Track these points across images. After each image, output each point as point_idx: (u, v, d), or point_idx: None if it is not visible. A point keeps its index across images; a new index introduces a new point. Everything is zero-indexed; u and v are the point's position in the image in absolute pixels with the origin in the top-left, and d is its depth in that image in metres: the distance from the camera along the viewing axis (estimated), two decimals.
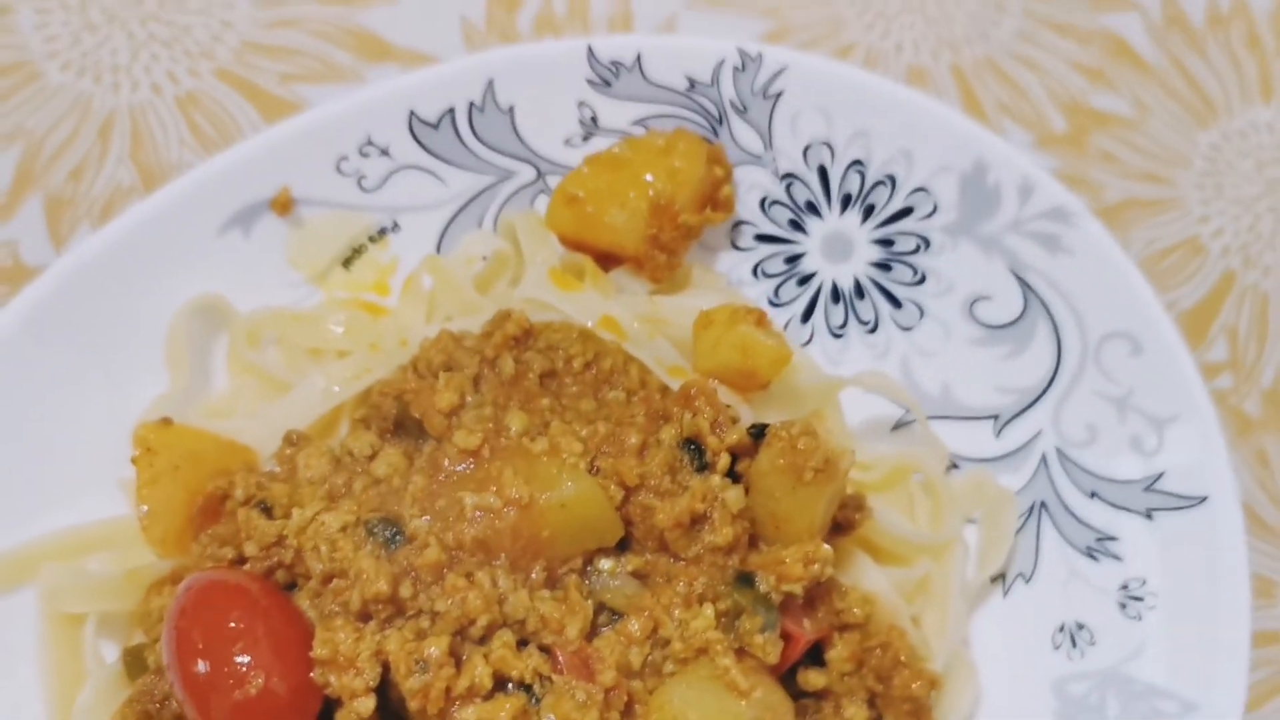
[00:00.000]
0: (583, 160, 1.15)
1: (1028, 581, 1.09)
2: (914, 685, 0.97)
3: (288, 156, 1.14)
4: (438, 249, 1.19)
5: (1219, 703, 0.98)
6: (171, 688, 0.91)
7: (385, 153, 1.16)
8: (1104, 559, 1.06)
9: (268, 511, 0.95)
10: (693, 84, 1.17)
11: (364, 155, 1.16)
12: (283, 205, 1.14)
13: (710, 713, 0.87)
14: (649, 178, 1.12)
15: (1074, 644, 1.05)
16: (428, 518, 0.89)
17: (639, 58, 1.16)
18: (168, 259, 1.11)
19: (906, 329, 1.17)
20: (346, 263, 1.17)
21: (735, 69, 1.16)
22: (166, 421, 1.06)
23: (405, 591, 0.86)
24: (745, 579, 0.93)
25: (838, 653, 0.97)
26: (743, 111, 1.17)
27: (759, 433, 0.98)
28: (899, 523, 1.07)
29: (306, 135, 1.14)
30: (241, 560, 0.95)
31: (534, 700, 0.85)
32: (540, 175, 1.19)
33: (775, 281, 1.20)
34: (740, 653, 0.90)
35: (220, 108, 1.33)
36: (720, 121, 1.18)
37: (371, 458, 0.97)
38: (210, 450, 1.04)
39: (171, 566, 1.00)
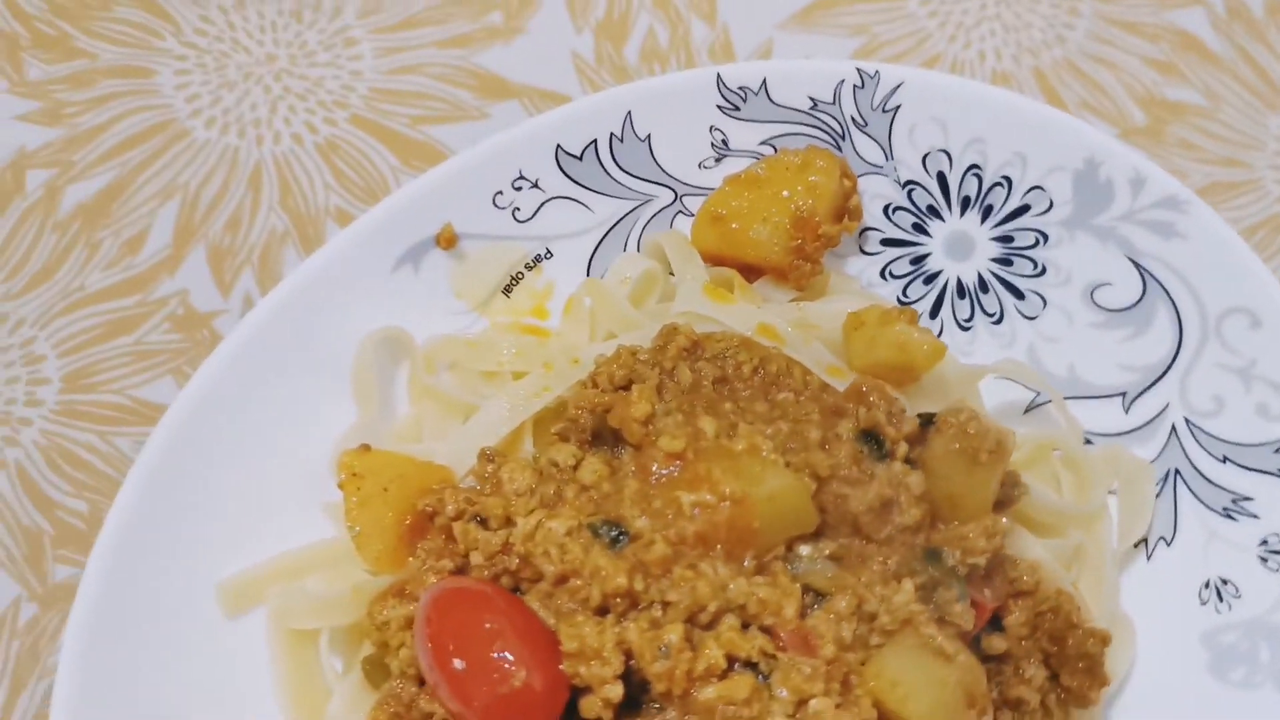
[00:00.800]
0: (722, 181, 1.24)
1: (1169, 545, 1.17)
2: (1088, 643, 1.06)
3: (448, 195, 1.22)
4: (588, 272, 1.27)
5: None
6: (417, 693, 0.99)
7: (536, 185, 1.24)
8: (1241, 518, 1.15)
9: (483, 523, 1.03)
10: (815, 103, 1.25)
11: (516, 189, 1.24)
12: (447, 240, 1.22)
13: (922, 677, 0.95)
14: (787, 193, 1.21)
15: (1220, 598, 1.14)
16: (645, 519, 0.97)
17: (764, 82, 1.25)
18: (348, 298, 1.19)
19: (1031, 318, 1.25)
20: (506, 290, 1.26)
21: (855, 87, 1.25)
22: (366, 448, 1.14)
23: (638, 585, 0.94)
24: (933, 555, 1.02)
25: (1015, 618, 1.05)
26: (863, 126, 1.26)
27: (926, 421, 1.06)
28: (1050, 497, 1.15)
29: (464, 174, 1.22)
30: (460, 570, 1.03)
31: (762, 677, 0.93)
32: (677, 197, 1.28)
33: (903, 282, 1.29)
34: (938, 622, 0.98)
35: (359, 152, 1.42)
36: (843, 136, 1.26)
37: (575, 467, 1.05)
38: (412, 471, 1.12)
39: (390, 580, 1.08)
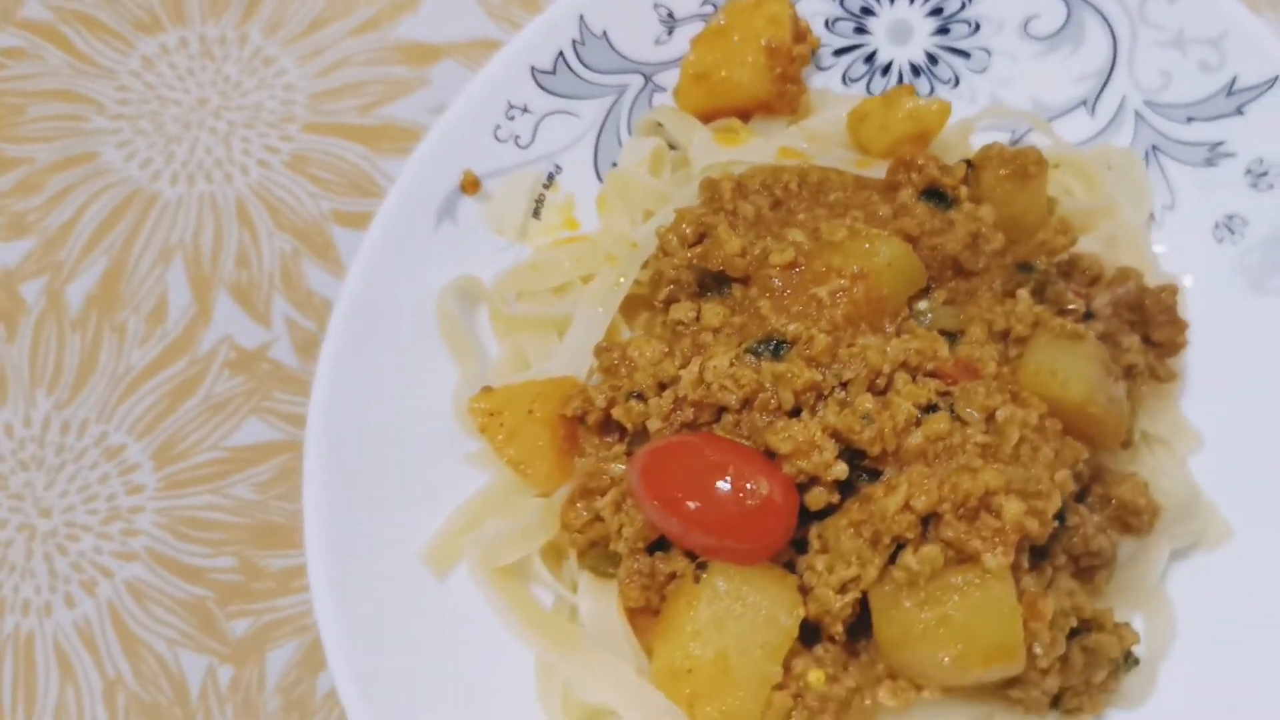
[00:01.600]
0: (690, 43, 1.33)
1: (1172, 208, 1.34)
2: (1161, 296, 1.20)
3: (454, 146, 1.27)
4: (595, 173, 1.35)
5: None
6: (652, 559, 1.07)
7: (525, 109, 1.31)
8: (1221, 161, 1.32)
9: (641, 398, 1.11)
10: None
11: (510, 119, 1.30)
12: (471, 184, 1.27)
13: (1071, 360, 1.08)
14: (752, 33, 1.31)
15: (1230, 230, 1.31)
16: (794, 324, 1.07)
17: None
18: (407, 266, 1.23)
19: (982, 72, 1.39)
20: (536, 213, 1.32)
21: None
22: (488, 389, 1.19)
23: (818, 376, 1.04)
24: (1025, 266, 1.15)
25: (1100, 301, 1.20)
26: None
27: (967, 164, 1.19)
28: (1075, 201, 1.29)
29: (461, 121, 1.28)
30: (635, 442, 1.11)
31: (949, 410, 1.04)
32: (647, 80, 1.36)
33: (863, 81, 1.41)
34: (1059, 314, 1.11)
35: (326, 154, 1.45)
36: None
37: (698, 318, 1.13)
38: (545, 390, 1.17)
39: (567, 489, 1.15)
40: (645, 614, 1.11)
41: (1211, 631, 1.17)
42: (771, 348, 1.07)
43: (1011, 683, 1.07)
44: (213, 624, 1.24)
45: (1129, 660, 1.14)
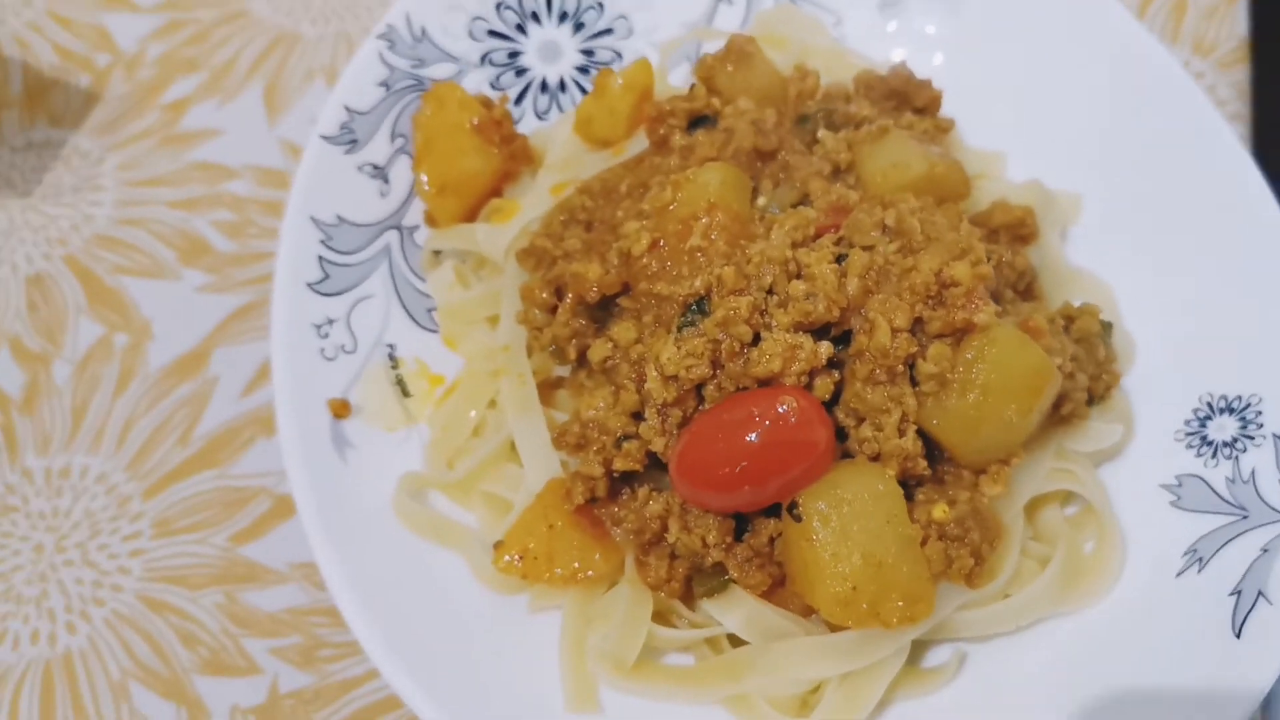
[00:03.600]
0: (411, 171, 1.37)
1: None
2: (900, 70, 1.35)
3: (301, 391, 1.25)
4: (421, 327, 1.36)
5: None
6: None
7: (329, 320, 1.31)
8: None
9: (627, 438, 1.13)
10: None
11: (325, 337, 1.30)
12: (340, 409, 1.25)
13: (895, 146, 1.21)
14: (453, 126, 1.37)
15: None
16: (697, 279, 1.13)
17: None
18: (350, 505, 1.20)
19: (628, 35, 1.51)
20: (405, 394, 1.31)
21: None
22: (499, 544, 1.17)
23: (750, 298, 1.10)
24: (803, 119, 1.28)
25: (864, 106, 1.32)
26: None
27: None
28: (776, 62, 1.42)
29: (289, 366, 1.25)
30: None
31: (855, 247, 1.13)
32: (399, 229, 1.39)
33: (552, 110, 1.49)
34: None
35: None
36: None
37: (615, 346, 1.17)
38: (544, 501, 1.17)
39: (629, 559, 1.15)
40: (774, 590, 1.13)
41: (1130, 277, 1.33)
42: (696, 309, 1.12)
43: (1059, 404, 1.16)
44: None
45: (1105, 327, 1.26)
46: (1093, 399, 1.23)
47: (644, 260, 1.16)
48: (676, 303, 1.14)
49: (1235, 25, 1.69)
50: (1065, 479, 1.19)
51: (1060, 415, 1.18)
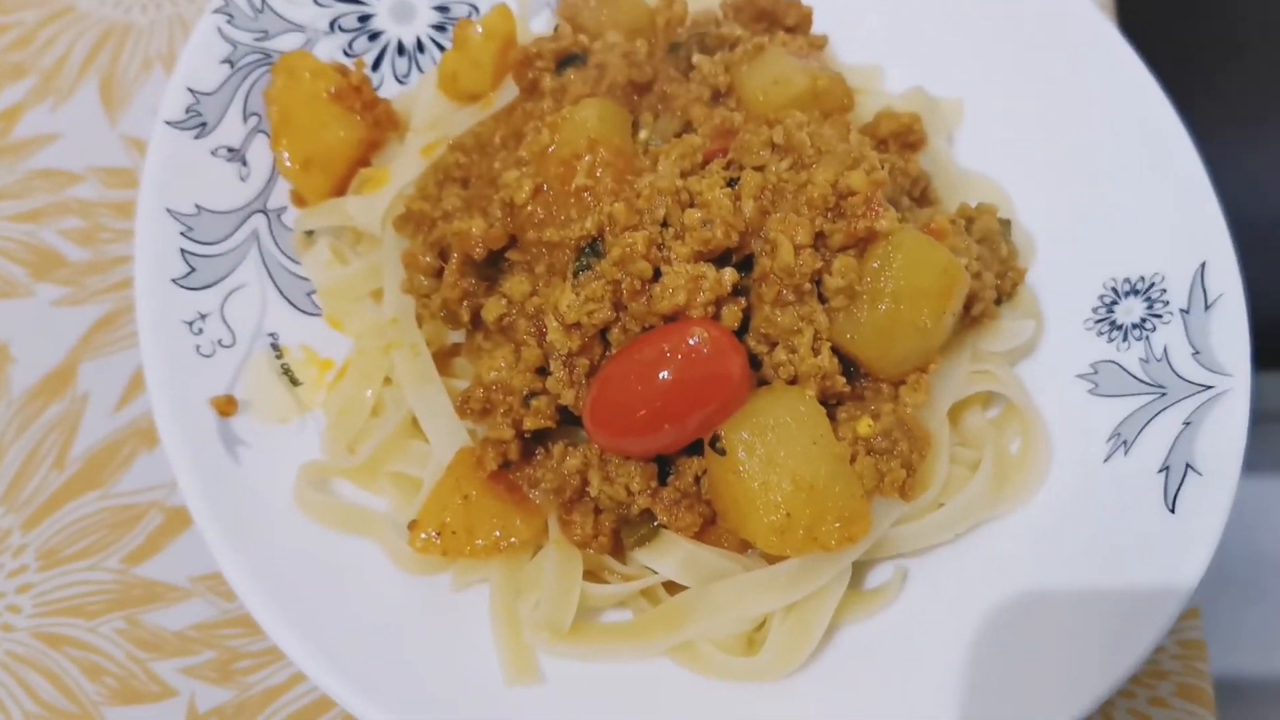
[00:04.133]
0: (271, 150, 1.29)
1: None
2: None
3: (178, 393, 1.17)
4: (300, 311, 1.29)
5: None
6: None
7: (201, 315, 1.22)
8: None
9: (535, 395, 1.08)
10: None
11: (199, 333, 1.21)
12: (225, 405, 1.17)
13: (771, 64, 1.17)
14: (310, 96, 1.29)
15: None
16: (586, 220, 1.07)
17: None
18: (244, 505, 1.13)
19: None
20: (294, 383, 1.24)
21: None
22: (413, 523, 1.11)
23: (645, 233, 1.05)
24: (674, 46, 1.23)
25: (732, 27, 1.28)
26: None
27: None
28: None
29: (165, 375, 1.17)
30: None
31: (745, 168, 1.09)
32: (265, 213, 1.31)
33: (411, 67, 1.42)
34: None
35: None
36: None
37: (509, 301, 1.11)
38: (454, 473, 1.11)
39: (551, 518, 1.10)
40: (705, 530, 1.09)
41: (1014, 169, 1.32)
42: (590, 252, 1.07)
43: (969, 304, 1.14)
44: None
45: (1005, 224, 1.25)
46: (1001, 297, 1.21)
47: (529, 208, 1.10)
48: (569, 248, 1.08)
49: None
50: (984, 380, 1.17)
51: (971, 317, 1.16)
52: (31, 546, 1.27)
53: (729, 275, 1.04)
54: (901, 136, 1.24)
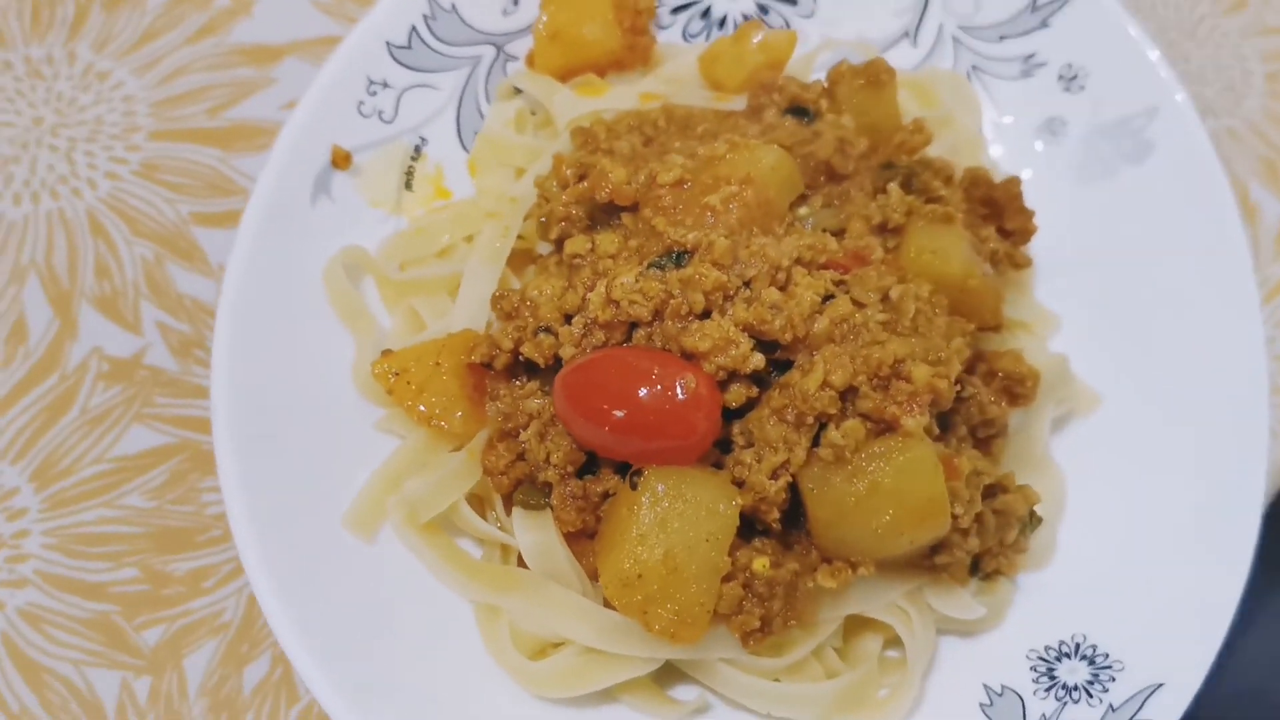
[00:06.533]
0: (539, 7, 1.37)
1: (999, 120, 1.44)
2: (1007, 187, 1.29)
3: (320, 124, 1.27)
4: (460, 142, 1.36)
5: None
6: (582, 482, 1.08)
7: (386, 84, 1.32)
8: (1036, 71, 1.43)
9: (549, 331, 1.12)
10: None
11: (372, 94, 1.31)
12: (341, 159, 1.27)
13: (946, 240, 1.16)
14: None
15: (1053, 133, 1.42)
16: (692, 233, 1.10)
17: None
18: (289, 242, 1.22)
19: (809, 16, 1.48)
20: (408, 186, 1.32)
21: None
22: (389, 352, 1.18)
23: (723, 277, 1.07)
24: (889, 165, 1.23)
25: (952, 193, 1.27)
26: None
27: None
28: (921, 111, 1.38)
29: (325, 99, 1.28)
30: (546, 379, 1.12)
31: (847, 295, 1.09)
32: (499, 49, 1.39)
33: (703, 35, 1.47)
34: (927, 202, 1.19)
35: (178, 159, 1.41)
36: None
37: (593, 249, 1.16)
38: (448, 344, 1.17)
39: (484, 435, 1.15)
40: (581, 539, 1.11)
41: (1097, 490, 1.26)
42: (674, 259, 1.10)
43: (937, 549, 1.12)
44: (122, 638, 1.18)
45: (1033, 519, 1.21)
46: (977, 570, 1.18)
47: (662, 191, 1.14)
48: (664, 243, 1.11)
49: None
50: (901, 622, 1.14)
51: (935, 563, 1.13)
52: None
53: (757, 359, 1.05)
54: (1010, 382, 1.21)
